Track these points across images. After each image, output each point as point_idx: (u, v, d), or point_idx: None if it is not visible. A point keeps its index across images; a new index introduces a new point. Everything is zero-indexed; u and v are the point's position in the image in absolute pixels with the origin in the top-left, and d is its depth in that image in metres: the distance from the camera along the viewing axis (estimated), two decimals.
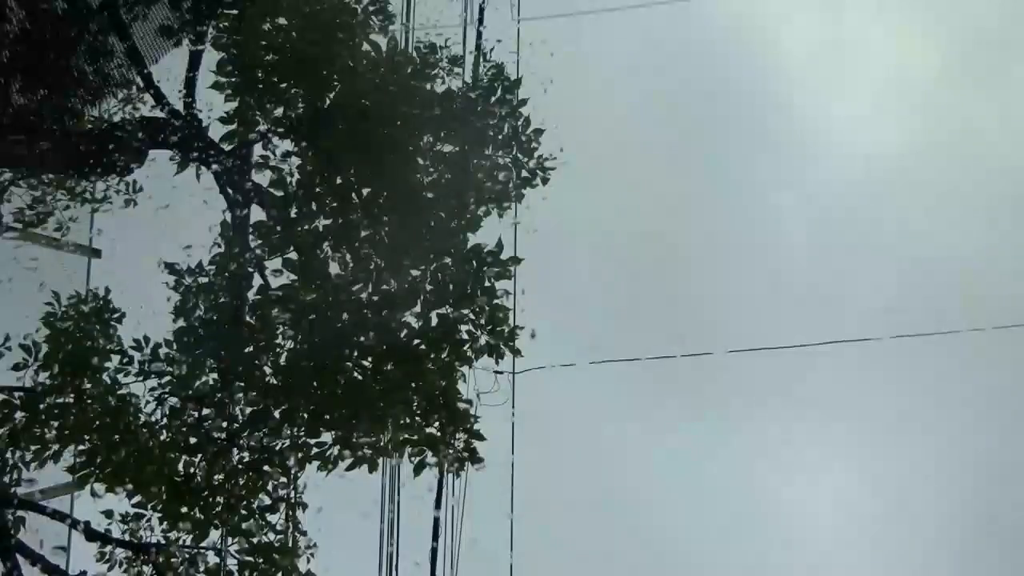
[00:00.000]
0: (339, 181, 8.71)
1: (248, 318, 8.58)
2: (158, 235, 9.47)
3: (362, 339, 8.39)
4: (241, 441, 8.52)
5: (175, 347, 8.58)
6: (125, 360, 8.69)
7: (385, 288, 8.51)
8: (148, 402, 8.58)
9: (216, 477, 8.44)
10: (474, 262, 8.53)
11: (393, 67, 8.90)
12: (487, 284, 8.51)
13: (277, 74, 8.77)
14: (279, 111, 8.91)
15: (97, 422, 8.37)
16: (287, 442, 8.42)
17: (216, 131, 9.11)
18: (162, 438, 8.45)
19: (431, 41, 9.42)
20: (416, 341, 8.43)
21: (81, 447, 8.32)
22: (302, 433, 8.33)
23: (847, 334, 12.81)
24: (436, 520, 9.22)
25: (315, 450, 8.24)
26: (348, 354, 8.33)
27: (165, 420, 8.52)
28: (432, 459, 8.39)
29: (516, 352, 8.68)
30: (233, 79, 8.79)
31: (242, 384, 8.45)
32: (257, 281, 8.73)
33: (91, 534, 8.58)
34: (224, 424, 8.54)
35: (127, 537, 8.53)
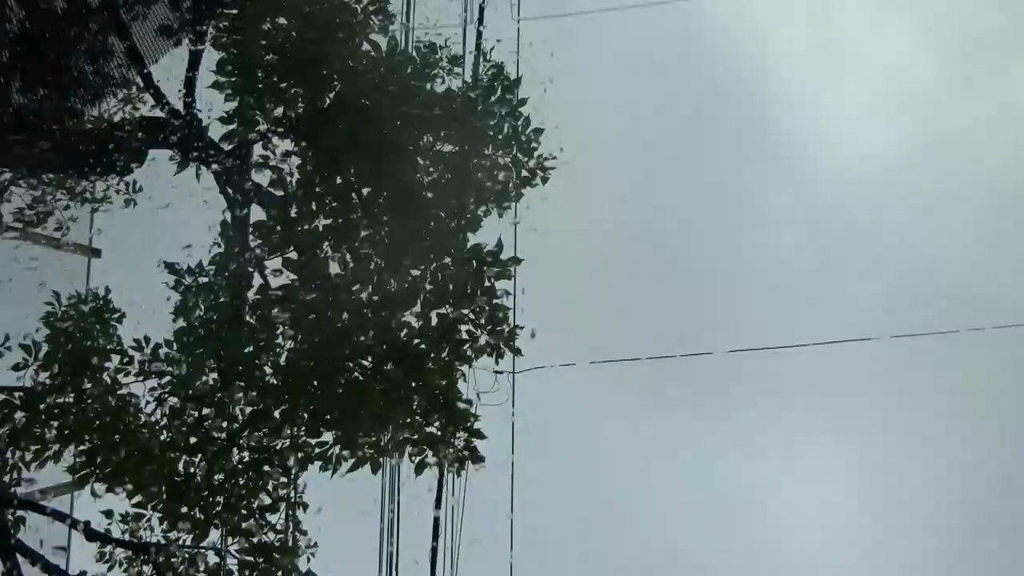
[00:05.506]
0: (339, 181, 8.72)
1: (248, 318, 8.58)
2: (158, 235, 9.49)
3: (362, 339, 8.40)
4: (241, 441, 8.52)
5: (175, 347, 8.59)
6: (125, 360, 8.70)
7: (385, 288, 8.51)
8: (148, 402, 8.61)
9: (216, 477, 8.44)
10: (474, 262, 8.54)
11: (393, 67, 8.90)
12: (487, 284, 8.52)
13: (277, 74, 8.77)
14: (279, 111, 8.91)
15: (97, 422, 8.38)
16: (287, 442, 8.42)
17: (216, 131, 9.14)
18: (162, 438, 8.45)
19: (431, 41, 9.44)
20: (416, 341, 8.44)
21: (81, 447, 8.32)
22: (302, 433, 8.33)
23: (847, 334, 12.79)
24: (436, 520, 9.21)
25: (316, 450, 8.24)
26: (348, 354, 8.33)
27: (165, 420, 8.53)
28: (432, 459, 8.40)
29: (516, 352, 8.70)
30: (233, 79, 8.79)
31: (242, 384, 8.45)
32: (257, 281, 8.74)
33: (91, 534, 8.58)
34: (224, 424, 8.54)
35: (127, 537, 8.53)
